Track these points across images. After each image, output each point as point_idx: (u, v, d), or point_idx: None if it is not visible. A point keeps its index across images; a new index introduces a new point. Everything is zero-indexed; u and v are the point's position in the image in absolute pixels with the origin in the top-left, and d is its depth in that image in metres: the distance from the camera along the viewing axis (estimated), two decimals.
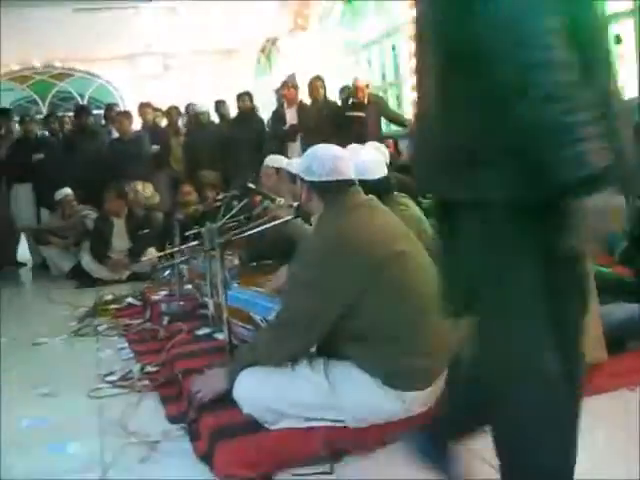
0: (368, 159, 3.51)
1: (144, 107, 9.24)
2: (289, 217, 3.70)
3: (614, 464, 2.34)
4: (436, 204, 1.81)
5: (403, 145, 8.17)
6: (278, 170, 5.01)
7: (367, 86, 8.18)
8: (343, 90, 8.96)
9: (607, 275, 3.43)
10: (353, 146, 4.53)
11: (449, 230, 1.74)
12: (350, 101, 8.13)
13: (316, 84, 8.42)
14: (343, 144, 4.49)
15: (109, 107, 9.90)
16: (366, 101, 8.05)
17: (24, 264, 8.44)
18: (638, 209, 3.42)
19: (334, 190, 2.65)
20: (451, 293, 1.82)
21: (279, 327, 2.64)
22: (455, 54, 1.54)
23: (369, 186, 2.97)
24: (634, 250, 3.40)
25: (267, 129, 8.80)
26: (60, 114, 10.13)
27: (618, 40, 5.97)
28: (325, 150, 2.72)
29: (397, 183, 3.96)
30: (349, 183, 2.68)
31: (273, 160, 5.25)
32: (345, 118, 7.97)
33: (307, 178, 2.70)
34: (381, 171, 3.57)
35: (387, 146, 6.71)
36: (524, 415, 1.68)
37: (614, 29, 6.07)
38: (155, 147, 8.53)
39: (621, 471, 2.29)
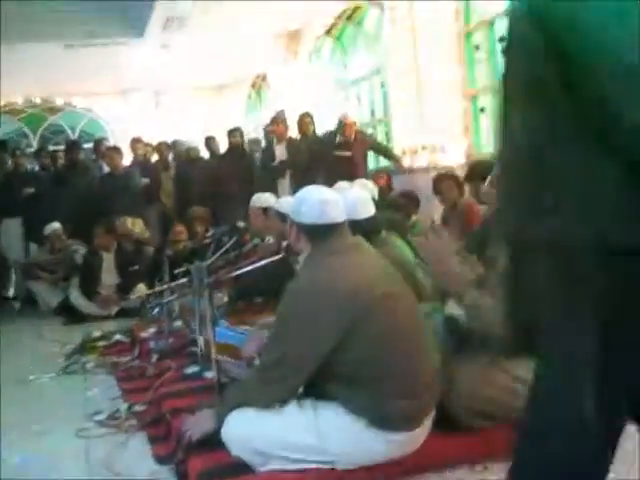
0: (355, 199, 3.52)
1: (135, 142, 9.32)
2: (279, 256, 3.73)
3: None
4: (510, 246, 1.82)
5: (396, 181, 8.25)
6: (265, 210, 5.02)
7: (354, 123, 8.21)
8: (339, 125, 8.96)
9: None
10: (340, 184, 4.58)
11: (517, 274, 1.76)
12: (337, 139, 8.13)
13: (305, 120, 8.49)
14: (331, 182, 4.54)
15: (98, 141, 9.94)
16: (353, 138, 8.07)
17: (15, 298, 8.36)
18: None
19: (322, 233, 2.66)
20: (513, 335, 1.84)
21: (266, 369, 2.63)
22: (567, 97, 1.56)
23: (356, 226, 2.99)
24: None
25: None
26: (52, 148, 10.17)
27: None
28: (315, 193, 2.74)
29: (387, 220, 3.99)
30: (337, 227, 2.69)
31: (260, 200, 5.28)
32: (333, 157, 7.96)
33: (296, 220, 2.73)
34: (368, 211, 3.59)
35: (376, 180, 6.74)
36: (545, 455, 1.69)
37: None
38: (145, 180, 8.57)
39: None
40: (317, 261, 2.66)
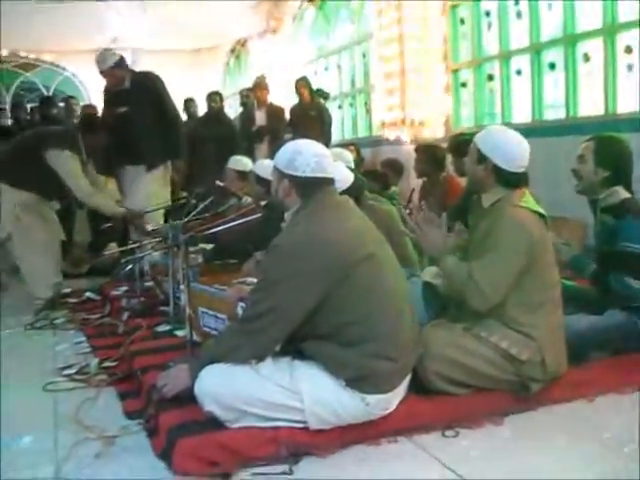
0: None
1: None
2: (256, 216, 3.69)
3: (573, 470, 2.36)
4: None
5: (375, 153, 8.24)
6: (242, 173, 5.03)
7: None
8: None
9: (570, 287, 3.46)
10: None
11: None
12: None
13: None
14: None
15: (67, 100, 9.72)
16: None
17: None
18: (606, 225, 3.43)
19: (315, 187, 2.63)
20: None
21: (245, 323, 2.59)
22: None
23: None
24: (603, 269, 3.41)
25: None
26: (31, 105, 9.98)
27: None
28: (309, 146, 2.70)
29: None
30: (328, 182, 2.68)
31: (237, 163, 5.27)
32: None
33: (289, 172, 2.66)
34: (348, 180, 3.59)
35: (350, 151, 6.71)
36: None
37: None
38: None
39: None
40: (305, 217, 2.62)
